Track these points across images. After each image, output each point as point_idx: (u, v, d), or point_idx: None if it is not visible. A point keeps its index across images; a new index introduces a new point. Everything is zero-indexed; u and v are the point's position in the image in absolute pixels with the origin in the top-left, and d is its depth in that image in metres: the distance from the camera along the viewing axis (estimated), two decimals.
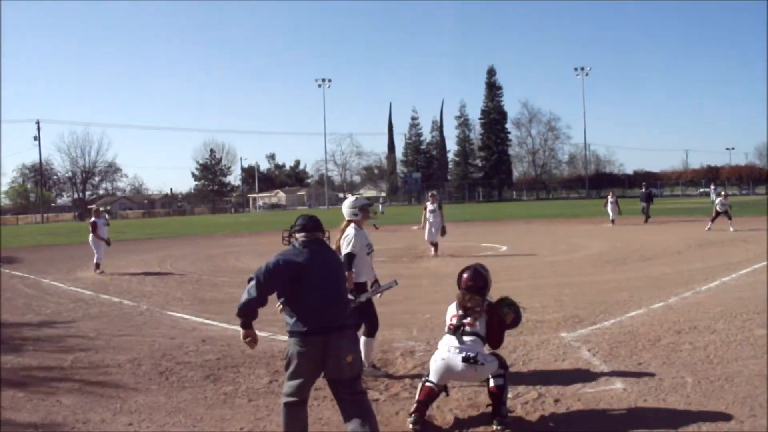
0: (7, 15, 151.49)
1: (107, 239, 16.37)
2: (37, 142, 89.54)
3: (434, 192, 19.52)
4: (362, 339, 5.85)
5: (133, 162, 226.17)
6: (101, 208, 17.94)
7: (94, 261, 16.10)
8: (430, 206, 17.54)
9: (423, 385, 4.84)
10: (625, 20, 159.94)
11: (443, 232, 17.43)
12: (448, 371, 4.79)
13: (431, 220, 17.43)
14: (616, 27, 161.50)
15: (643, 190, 31.82)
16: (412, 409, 4.79)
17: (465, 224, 33.93)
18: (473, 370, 4.73)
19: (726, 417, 4.72)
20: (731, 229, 21.52)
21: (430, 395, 4.79)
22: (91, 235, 16.15)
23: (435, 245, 17.47)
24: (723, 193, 25.32)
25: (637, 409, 4.97)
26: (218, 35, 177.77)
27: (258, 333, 8.07)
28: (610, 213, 28.53)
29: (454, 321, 5.00)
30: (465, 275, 5.17)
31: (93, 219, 16.42)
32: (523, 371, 6.14)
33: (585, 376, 5.87)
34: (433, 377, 4.82)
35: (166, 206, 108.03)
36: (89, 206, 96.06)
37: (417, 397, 4.85)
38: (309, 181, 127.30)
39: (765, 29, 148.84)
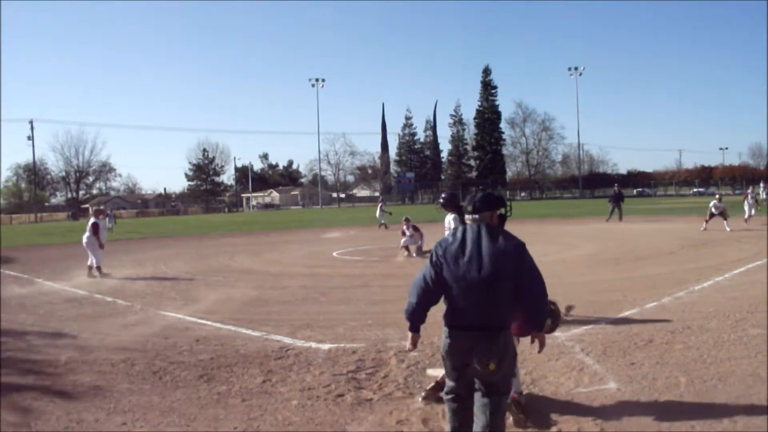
0: (2, 14, 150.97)
1: (102, 243, 15.13)
2: (30, 142, 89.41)
3: (408, 217, 18.71)
4: None
5: (127, 162, 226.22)
6: (104, 208, 16.68)
7: (89, 263, 14.89)
8: (407, 231, 17.88)
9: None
10: (619, 20, 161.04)
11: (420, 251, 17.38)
12: None
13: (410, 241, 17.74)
14: (609, 27, 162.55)
15: (615, 190, 32.22)
16: (429, 387, 4.90)
17: None
18: None
19: (719, 416, 4.74)
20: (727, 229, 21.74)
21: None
22: (87, 235, 14.97)
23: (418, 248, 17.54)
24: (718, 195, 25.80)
25: (631, 409, 4.98)
26: (212, 35, 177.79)
27: (251, 333, 8.16)
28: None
29: None
30: None
31: (94, 220, 15.35)
32: None
33: (578, 375, 5.88)
34: None
35: (160, 206, 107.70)
36: (83, 206, 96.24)
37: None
38: (302, 180, 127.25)
39: (759, 29, 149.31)
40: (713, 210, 22.86)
